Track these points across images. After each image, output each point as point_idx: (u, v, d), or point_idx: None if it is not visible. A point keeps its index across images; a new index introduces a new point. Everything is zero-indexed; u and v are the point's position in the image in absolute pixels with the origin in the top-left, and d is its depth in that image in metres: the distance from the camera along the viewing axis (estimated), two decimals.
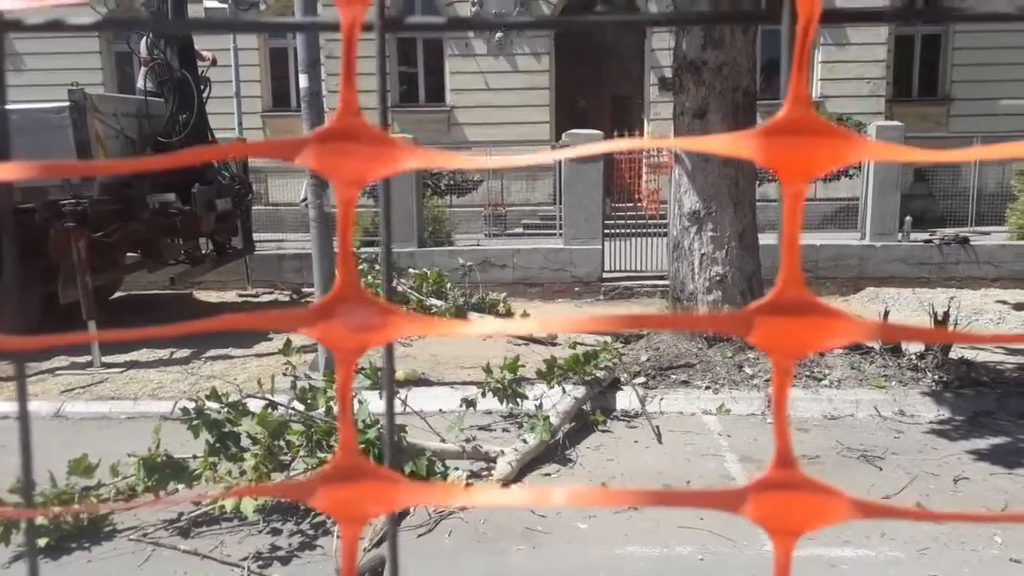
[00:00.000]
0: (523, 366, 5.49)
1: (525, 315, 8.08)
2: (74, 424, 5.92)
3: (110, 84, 17.05)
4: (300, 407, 4.36)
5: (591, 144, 0.83)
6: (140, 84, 9.38)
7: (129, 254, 9.14)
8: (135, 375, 6.98)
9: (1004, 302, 9.55)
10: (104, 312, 7.97)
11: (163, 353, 7.64)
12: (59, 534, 3.83)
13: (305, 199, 7.05)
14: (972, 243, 10.56)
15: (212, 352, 7.66)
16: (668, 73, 14.87)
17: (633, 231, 10.56)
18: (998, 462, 4.85)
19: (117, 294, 10.29)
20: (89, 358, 7.26)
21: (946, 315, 6.38)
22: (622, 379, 6.04)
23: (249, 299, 10.68)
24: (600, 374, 5.73)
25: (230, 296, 10.81)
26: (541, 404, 5.12)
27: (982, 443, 5.15)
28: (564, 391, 5.46)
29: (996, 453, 4.97)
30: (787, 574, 0.50)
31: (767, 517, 0.50)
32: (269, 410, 4.26)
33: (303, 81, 6.47)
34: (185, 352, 7.66)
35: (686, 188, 6.43)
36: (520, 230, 14.01)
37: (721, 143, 0.51)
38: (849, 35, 15.43)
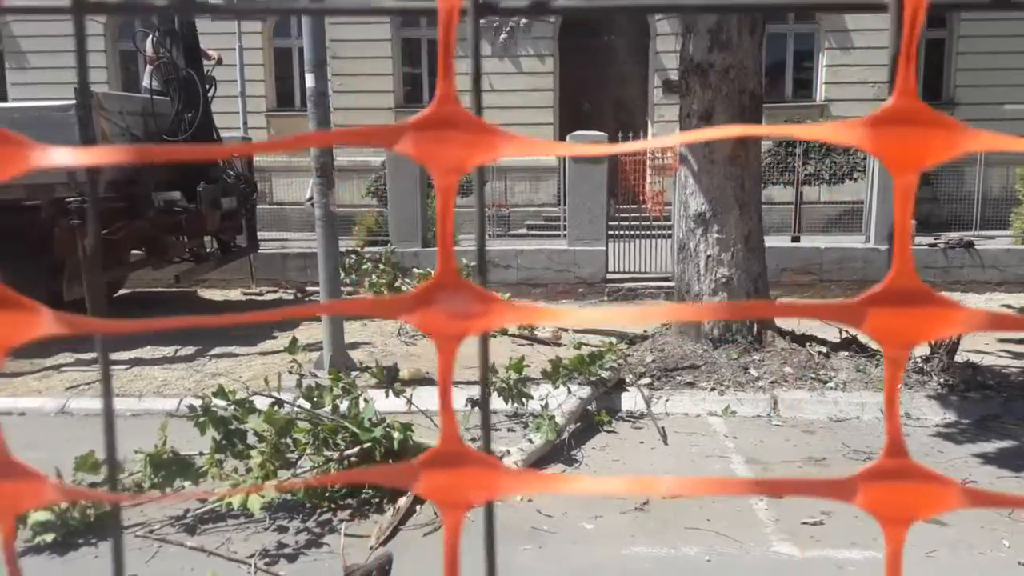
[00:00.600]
0: (528, 366, 5.49)
1: None
2: (79, 420, 5.92)
3: (114, 83, 17.07)
4: (306, 405, 4.35)
5: (666, 137, 0.82)
6: (146, 83, 9.39)
7: (133, 252, 9.14)
8: (140, 372, 6.98)
9: (1009, 306, 9.53)
10: (108, 310, 7.97)
11: (167, 351, 7.64)
12: (65, 530, 3.83)
13: (311, 198, 7.05)
14: (977, 247, 10.55)
15: (217, 350, 7.66)
16: (673, 76, 14.88)
17: (637, 233, 10.56)
18: (1005, 465, 4.84)
19: (121, 291, 10.30)
20: (94, 355, 7.26)
21: None
22: (627, 380, 6.04)
23: (254, 297, 10.68)
24: (605, 375, 5.73)
25: (234, 294, 10.80)
26: (547, 404, 5.11)
27: (989, 447, 5.14)
28: (569, 391, 5.46)
29: (1003, 456, 4.97)
30: (899, 563, 0.50)
31: (878, 505, 0.50)
32: (275, 408, 4.26)
33: (309, 81, 6.47)
34: (189, 350, 7.66)
35: (692, 190, 6.43)
36: (524, 231, 14.01)
37: (827, 131, 0.51)
38: (854, 39, 15.44)
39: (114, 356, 7.32)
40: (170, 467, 3.91)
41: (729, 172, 6.28)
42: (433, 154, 0.56)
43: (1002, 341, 7.92)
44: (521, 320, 0.59)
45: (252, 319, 0.55)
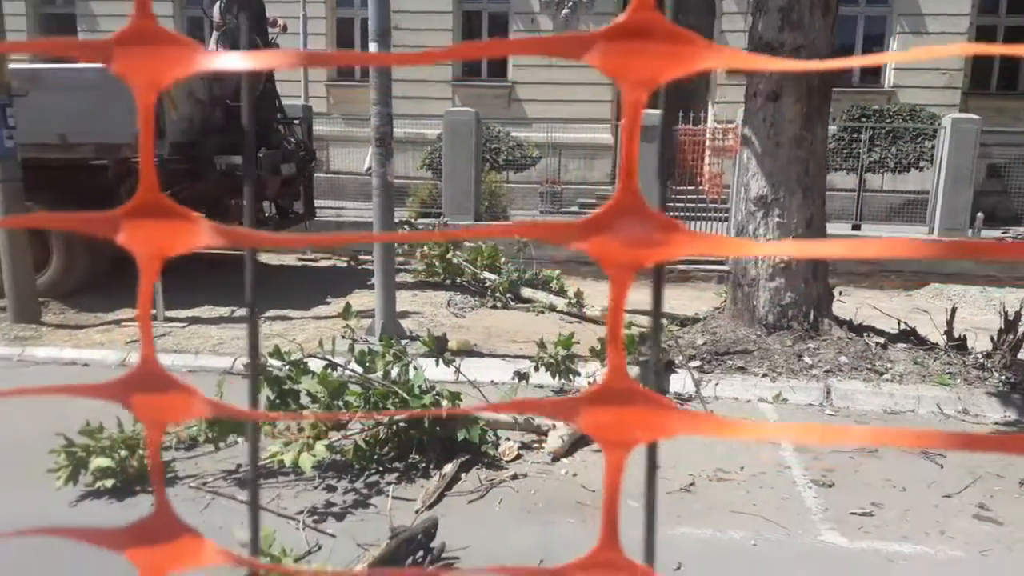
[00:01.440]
0: (577, 343, 5.48)
1: (579, 292, 8.05)
2: None
3: None
4: (359, 369, 4.42)
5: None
6: (212, 48, 9.54)
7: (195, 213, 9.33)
8: (197, 330, 7.16)
9: None
10: (166, 269, 8.17)
11: (224, 311, 7.82)
12: (123, 477, 3.96)
13: (369, 168, 7.10)
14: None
15: (271, 312, 7.81)
16: None
17: (693, 214, 10.43)
18: None
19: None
20: (154, 311, 7.46)
21: (1018, 315, 6.17)
22: (677, 362, 5.99)
23: (309, 263, 10.85)
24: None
25: (290, 259, 10.99)
26: (595, 380, 5.09)
27: None
28: None
29: None
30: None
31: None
32: (328, 371, 4.33)
33: (373, 49, 6.49)
34: (245, 311, 7.81)
35: (754, 172, 6.31)
36: (576, 209, 13.95)
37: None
38: (928, 24, 14.90)
39: (172, 314, 7.52)
40: (224, 423, 4.00)
41: (794, 155, 6.14)
42: (623, 66, 0.52)
43: None
44: (705, 251, 0.56)
45: (386, 238, 0.55)
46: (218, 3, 8.89)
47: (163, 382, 0.57)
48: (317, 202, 10.86)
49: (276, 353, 4.21)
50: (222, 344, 6.72)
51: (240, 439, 4.10)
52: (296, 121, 10.01)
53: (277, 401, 4.14)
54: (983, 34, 15.76)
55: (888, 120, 12.47)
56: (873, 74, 15.58)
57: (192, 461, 4.29)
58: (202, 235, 0.56)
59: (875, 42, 15.59)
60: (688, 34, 0.50)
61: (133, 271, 0.61)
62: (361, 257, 10.95)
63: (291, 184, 9.60)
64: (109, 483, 3.89)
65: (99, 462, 3.81)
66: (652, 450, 0.60)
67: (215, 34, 9.39)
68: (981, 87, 15.73)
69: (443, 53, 0.55)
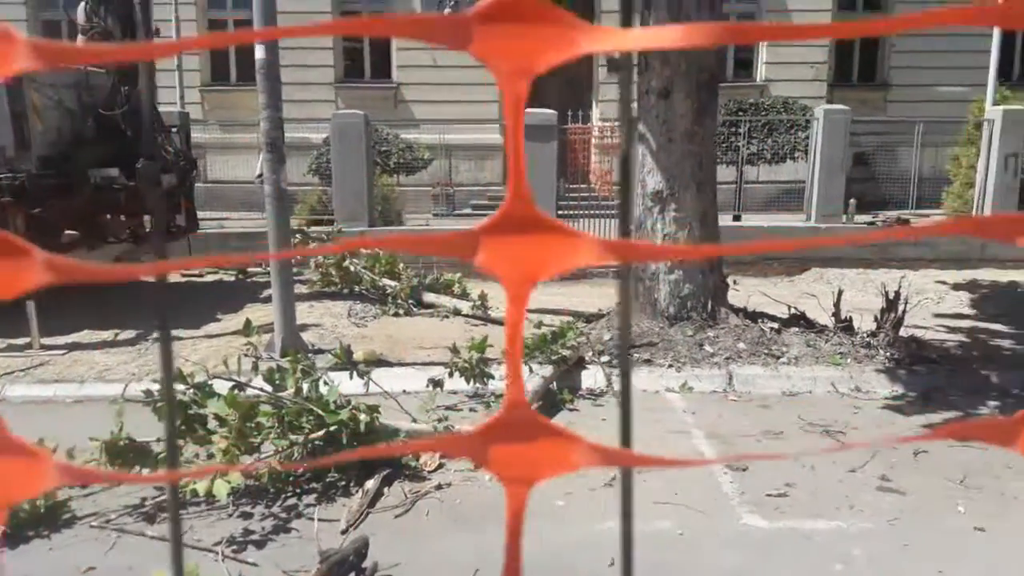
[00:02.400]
0: (491, 346, 5.45)
1: (483, 295, 8.02)
2: (16, 408, 5.64)
3: None
4: (268, 388, 4.23)
5: None
6: None
7: (68, 231, 8.75)
8: (79, 357, 6.70)
9: (943, 282, 9.89)
10: (41, 292, 7.62)
11: (106, 335, 7.35)
12: (14, 521, 3.64)
13: (261, 175, 6.84)
14: (912, 225, 10.90)
15: (158, 333, 7.38)
16: (617, 55, 14.81)
17: (586, 211, 10.58)
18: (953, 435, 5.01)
19: None
20: (27, 339, 6.93)
21: (897, 294, 6.56)
22: (587, 358, 6.05)
23: (193, 279, 10.35)
24: (566, 353, 5.73)
25: (173, 276, 10.46)
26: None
27: (936, 417, 5.32)
28: (531, 370, 5.44)
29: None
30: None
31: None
32: (236, 391, 4.12)
33: (259, 52, 6.23)
34: (130, 333, 7.38)
35: (650, 168, 6.45)
36: (469, 210, 13.92)
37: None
38: (793, 20, 15.69)
39: (49, 341, 7.01)
40: (127, 454, 3.75)
41: (687, 150, 6.32)
42: (499, 50, 0.47)
43: (937, 316, 8.21)
44: (607, 258, 0.52)
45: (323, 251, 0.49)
46: (83, 4, 8.34)
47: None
48: (199, 213, 10.38)
49: (180, 376, 3.97)
50: (108, 371, 6.31)
51: (146, 471, 3.85)
52: (174, 129, 9.54)
53: (183, 427, 3.90)
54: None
55: (763, 113, 13.06)
56: (745, 68, 16.28)
57: (90, 498, 3.99)
58: (35, 274, 0.47)
59: None
60: (567, 15, 0.46)
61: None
62: (251, 270, 10.54)
63: (172, 196, 9.13)
64: None
65: None
66: (627, 477, 0.58)
67: (80, 38, 8.81)
68: (844, 79, 16.71)
69: (327, 27, 0.50)
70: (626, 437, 0.56)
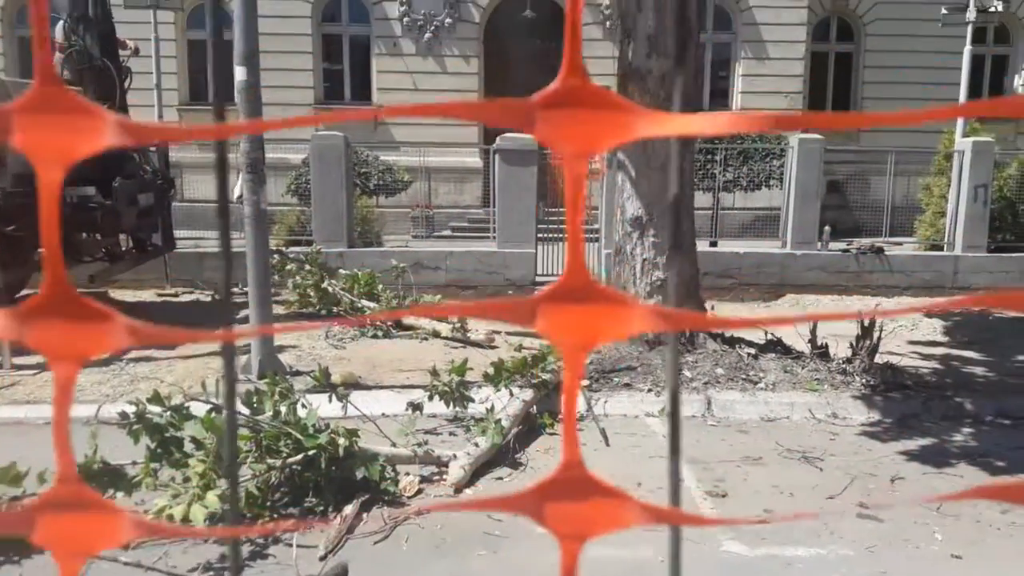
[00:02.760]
0: (471, 369, 5.43)
1: (462, 317, 8.00)
2: None
3: (12, 72, 16.11)
4: (246, 411, 4.18)
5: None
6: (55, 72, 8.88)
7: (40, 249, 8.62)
8: (51, 377, 6.57)
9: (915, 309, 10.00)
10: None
11: None
12: None
13: (240, 196, 6.81)
14: (886, 253, 11.06)
15: (133, 353, 7.29)
16: (597, 81, 14.97)
17: (566, 235, 10.61)
18: (928, 462, 5.07)
19: (24, 292, 9.70)
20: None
21: (872, 322, 6.64)
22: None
23: (169, 299, 10.24)
24: (547, 377, 5.72)
25: (147, 295, 10.34)
26: (492, 407, 5.06)
27: (912, 444, 5.37)
28: (512, 394, 5.43)
29: (926, 453, 5.20)
30: None
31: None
32: (213, 414, 4.06)
33: (239, 74, 6.22)
34: (104, 353, 7.25)
35: (629, 194, 6.50)
36: (448, 232, 13.92)
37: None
38: (768, 50, 15.97)
39: (20, 360, 6.89)
40: (102, 478, 3.68)
41: (665, 177, 6.38)
42: (561, 136, 0.49)
43: (912, 343, 8.32)
44: (661, 324, 0.54)
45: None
46: (62, 23, 8.29)
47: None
48: (175, 233, 10.28)
49: (155, 398, 3.91)
50: (82, 391, 6.20)
51: (119, 494, 3.77)
52: (151, 148, 9.47)
53: (159, 450, 3.84)
54: (817, 59, 17.08)
55: (739, 141, 13.22)
56: (722, 97, 16.52)
57: None
58: (117, 338, 0.49)
59: (722, 67, 16.55)
60: (624, 101, 0.49)
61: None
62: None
63: (149, 215, 9.06)
64: None
65: None
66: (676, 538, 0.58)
67: (58, 56, 8.75)
68: (818, 108, 17.00)
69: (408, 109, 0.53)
70: (675, 496, 0.57)
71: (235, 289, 10.33)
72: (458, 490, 4.37)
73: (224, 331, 0.54)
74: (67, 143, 0.46)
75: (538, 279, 10.27)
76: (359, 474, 4.10)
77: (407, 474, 4.42)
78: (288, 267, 9.11)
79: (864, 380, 6.29)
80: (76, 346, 0.48)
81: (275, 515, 4.00)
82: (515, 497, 0.50)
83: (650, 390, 6.09)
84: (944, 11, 14.07)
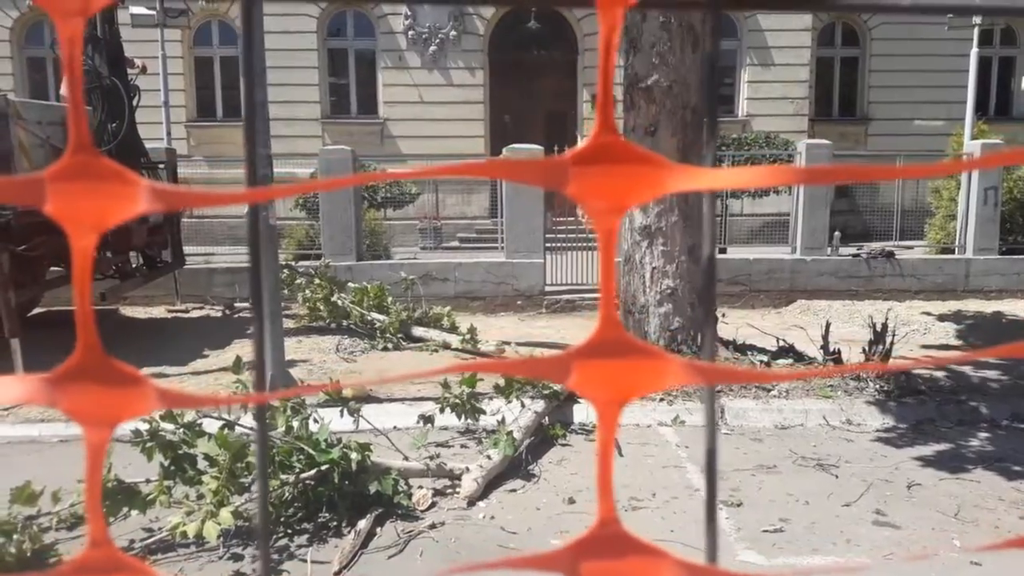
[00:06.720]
0: (481, 379, 5.42)
1: (472, 328, 8.00)
2: (1, 448, 5.55)
3: (21, 91, 16.23)
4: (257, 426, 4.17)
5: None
6: (64, 90, 8.96)
7: (53, 268, 8.67)
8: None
9: (928, 313, 9.96)
10: (24, 330, 7.52)
11: None
12: (2, 564, 3.56)
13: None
14: (897, 257, 11.01)
15: (145, 370, 7.30)
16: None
17: (574, 245, 10.62)
18: (944, 467, 5.02)
19: (36, 310, 9.75)
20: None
21: (884, 326, 6.60)
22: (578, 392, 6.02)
23: (179, 315, 10.28)
24: (558, 387, 5.71)
25: (159, 312, 10.38)
26: (503, 419, 5.05)
27: (927, 450, 5.33)
28: (523, 405, 5.41)
29: (942, 459, 5.16)
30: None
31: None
32: (226, 431, 4.07)
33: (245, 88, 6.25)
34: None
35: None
36: (456, 243, 13.94)
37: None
38: (774, 56, 15.96)
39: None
40: (115, 496, 3.68)
41: None
42: (594, 192, 0.50)
43: (924, 347, 8.27)
44: (697, 378, 0.53)
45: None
46: None
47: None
48: (184, 248, 10.33)
49: (168, 416, 3.92)
50: None
51: (134, 512, 3.78)
52: (160, 165, 9.53)
53: (172, 467, 3.85)
54: (822, 64, 17.07)
55: (746, 147, 13.21)
56: (728, 104, 16.51)
57: (78, 541, 3.91)
58: (148, 403, 0.49)
59: (727, 73, 16.54)
60: (654, 156, 0.49)
61: None
62: (237, 305, 10.49)
63: (158, 232, 9.11)
64: None
65: None
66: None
67: (66, 76, 8.82)
68: (825, 114, 16.99)
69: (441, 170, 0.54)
70: (712, 552, 0.56)
71: (244, 304, 10.39)
72: (471, 503, 4.35)
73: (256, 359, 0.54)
74: (101, 209, 0.47)
75: (547, 289, 10.26)
76: (372, 488, 4.09)
77: (420, 487, 4.41)
78: (298, 281, 9.14)
79: (878, 386, 6.26)
80: (109, 412, 0.49)
81: (289, 530, 4.00)
82: (548, 556, 0.50)
83: (662, 399, 6.07)
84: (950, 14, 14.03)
